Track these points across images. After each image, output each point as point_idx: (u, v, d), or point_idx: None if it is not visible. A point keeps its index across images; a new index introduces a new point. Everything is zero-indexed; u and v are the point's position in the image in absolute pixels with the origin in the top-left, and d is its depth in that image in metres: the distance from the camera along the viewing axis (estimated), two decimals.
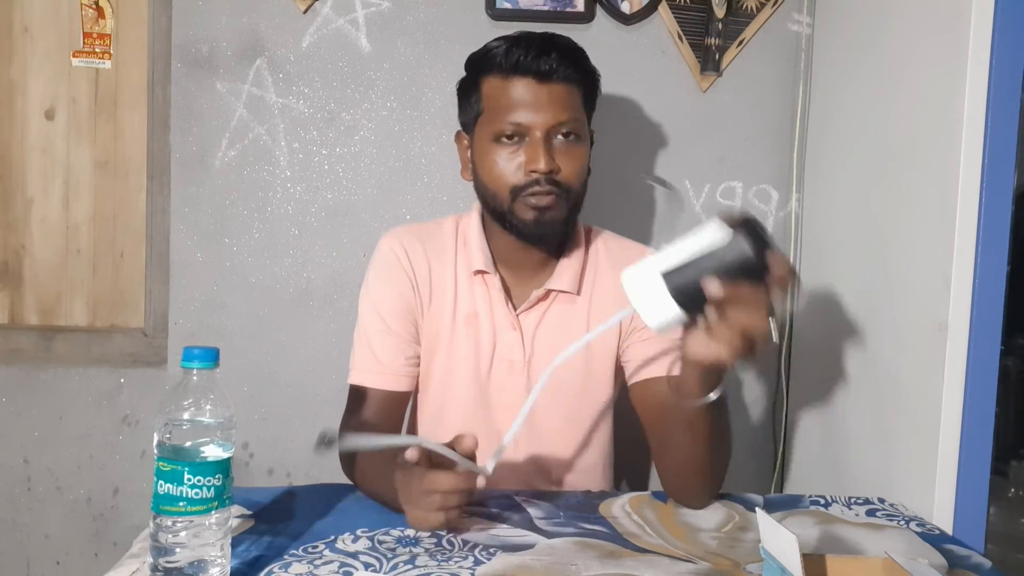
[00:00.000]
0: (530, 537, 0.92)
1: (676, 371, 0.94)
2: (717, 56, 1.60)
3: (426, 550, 0.87)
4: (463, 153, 1.17)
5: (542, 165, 1.04)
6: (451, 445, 0.86)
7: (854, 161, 1.39)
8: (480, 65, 1.10)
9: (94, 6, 1.63)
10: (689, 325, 0.82)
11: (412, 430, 1.26)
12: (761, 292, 0.77)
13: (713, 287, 0.75)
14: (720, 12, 1.58)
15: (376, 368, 1.14)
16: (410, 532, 0.92)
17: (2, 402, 1.64)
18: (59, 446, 1.64)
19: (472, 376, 1.16)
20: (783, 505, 1.08)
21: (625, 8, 1.59)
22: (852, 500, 1.10)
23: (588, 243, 1.21)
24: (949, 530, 1.05)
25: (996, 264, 1.04)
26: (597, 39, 1.58)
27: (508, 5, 1.57)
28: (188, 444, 0.74)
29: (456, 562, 0.84)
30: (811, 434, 1.50)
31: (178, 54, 1.59)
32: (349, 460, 1.08)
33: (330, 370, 1.62)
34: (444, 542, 0.90)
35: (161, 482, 0.73)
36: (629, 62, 1.60)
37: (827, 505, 1.08)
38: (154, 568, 0.74)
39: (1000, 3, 1.01)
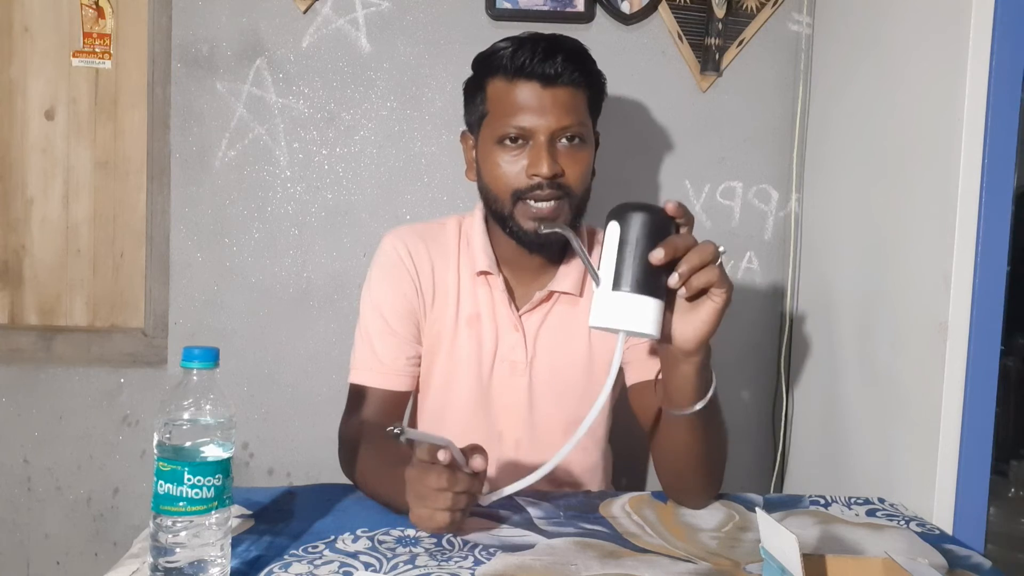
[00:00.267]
0: (530, 537, 0.92)
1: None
2: (717, 56, 1.60)
3: (426, 550, 0.87)
4: (468, 153, 1.17)
5: (545, 169, 1.04)
6: (469, 453, 0.87)
7: (854, 161, 1.39)
8: (486, 66, 1.10)
9: (94, 6, 1.63)
10: (667, 312, 0.86)
11: None
12: (683, 233, 0.84)
13: (656, 253, 0.81)
14: (720, 12, 1.58)
15: (377, 367, 1.14)
16: (410, 532, 0.92)
17: (2, 402, 1.64)
18: (59, 446, 1.65)
19: (474, 377, 1.16)
20: (783, 505, 1.08)
21: (625, 8, 1.59)
22: (852, 500, 1.10)
23: (591, 245, 1.21)
24: (949, 530, 1.05)
25: (996, 264, 1.04)
26: (597, 39, 1.58)
27: (508, 5, 1.57)
28: (188, 444, 0.74)
29: (456, 562, 0.84)
30: (811, 434, 1.50)
31: (178, 54, 1.59)
32: (349, 460, 1.08)
33: (330, 370, 1.62)
34: (444, 542, 0.90)
35: (161, 482, 0.73)
36: (629, 62, 1.60)
37: (827, 505, 1.08)
38: (154, 568, 0.74)
39: (1000, 3, 1.01)
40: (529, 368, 1.16)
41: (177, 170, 1.60)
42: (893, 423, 1.19)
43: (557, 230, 0.93)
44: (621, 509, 1.03)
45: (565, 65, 1.05)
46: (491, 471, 0.93)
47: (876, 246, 1.28)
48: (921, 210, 1.14)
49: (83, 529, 1.66)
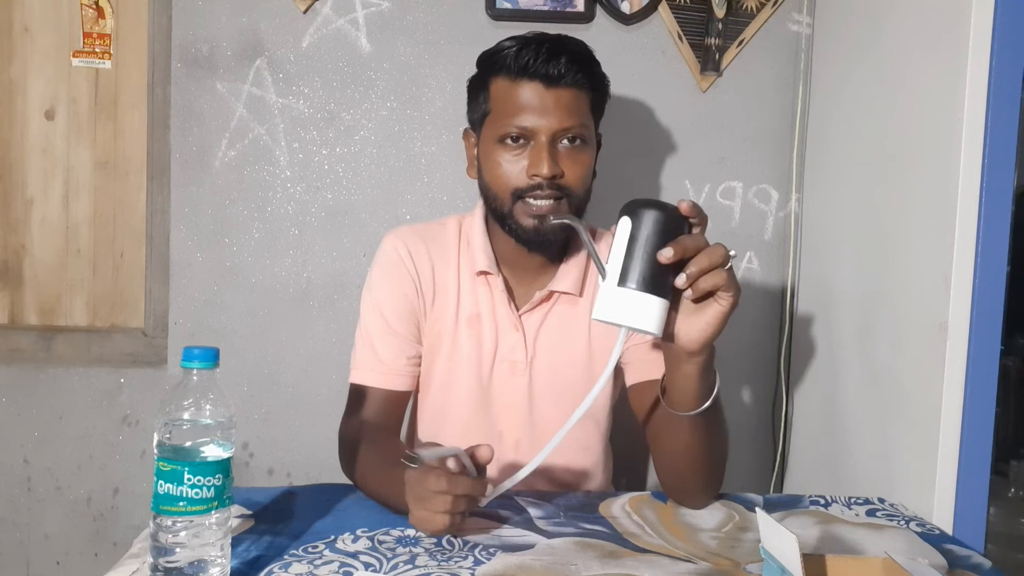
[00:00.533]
0: (530, 537, 0.92)
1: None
2: (717, 56, 1.60)
3: (426, 550, 0.87)
4: (470, 151, 1.18)
5: (545, 170, 1.04)
6: (468, 452, 0.87)
7: (854, 161, 1.39)
8: (490, 65, 1.10)
9: (94, 6, 1.63)
10: (674, 315, 0.86)
11: (412, 430, 1.26)
12: (694, 234, 0.83)
13: (665, 252, 0.80)
14: (720, 12, 1.58)
15: (377, 367, 1.14)
16: (410, 532, 0.92)
17: (2, 402, 1.64)
18: (59, 446, 1.65)
19: (474, 377, 1.16)
20: (783, 505, 1.08)
21: (625, 8, 1.59)
22: (852, 500, 1.10)
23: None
24: (949, 530, 1.05)
25: (996, 264, 1.04)
26: (597, 39, 1.58)
27: (508, 5, 1.57)
28: (188, 444, 0.74)
29: (456, 562, 0.84)
30: (811, 434, 1.50)
31: (178, 54, 1.59)
32: (349, 460, 1.08)
33: (330, 370, 1.62)
34: (444, 542, 0.90)
35: (161, 482, 0.73)
36: (629, 62, 1.60)
37: (827, 505, 1.08)
38: (154, 568, 0.74)
39: (1000, 3, 1.01)
40: (529, 368, 1.16)
41: (177, 170, 1.60)
42: (893, 423, 1.19)
43: (566, 220, 0.92)
44: (621, 509, 1.03)
45: (569, 66, 1.05)
46: (491, 471, 0.93)
47: (876, 246, 1.28)
48: (921, 210, 1.14)
49: (83, 529, 1.66)
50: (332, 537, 0.90)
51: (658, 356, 1.12)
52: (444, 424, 1.19)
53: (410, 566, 0.83)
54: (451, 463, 0.83)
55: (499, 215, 1.11)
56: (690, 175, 1.64)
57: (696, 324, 0.86)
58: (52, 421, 1.64)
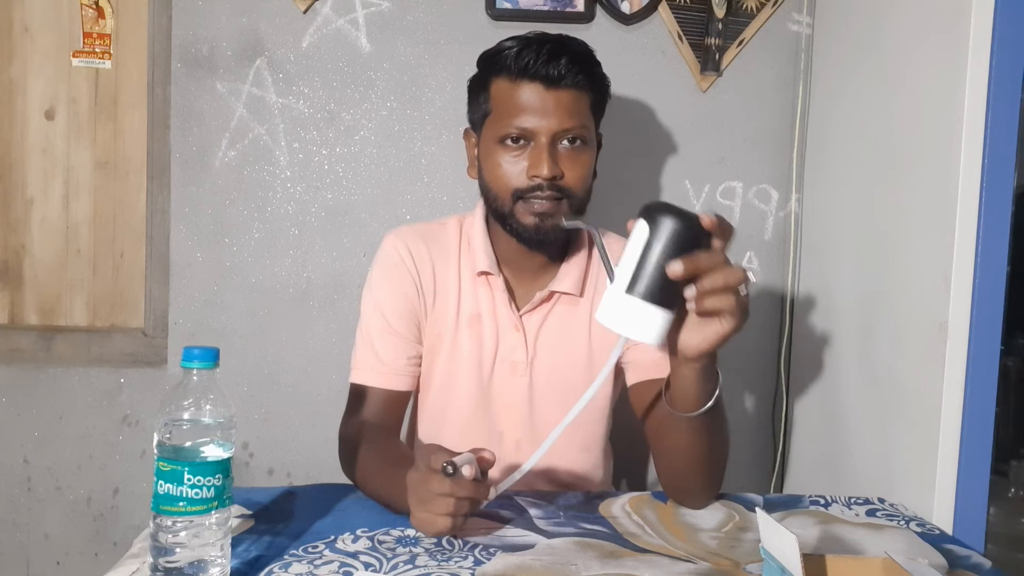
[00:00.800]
0: (530, 537, 0.92)
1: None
2: (717, 56, 1.60)
3: (426, 550, 0.87)
4: (470, 151, 1.18)
5: (545, 171, 1.04)
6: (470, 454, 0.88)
7: (854, 161, 1.39)
8: (491, 65, 1.10)
9: (94, 6, 1.63)
10: (677, 321, 0.84)
11: (412, 430, 1.26)
12: (714, 251, 0.81)
13: (675, 267, 0.78)
14: (720, 12, 1.58)
15: (378, 367, 1.14)
16: (410, 532, 0.92)
17: (2, 402, 1.64)
18: (59, 446, 1.65)
19: (474, 377, 1.16)
20: (783, 505, 1.08)
21: (625, 8, 1.59)
22: (852, 500, 1.10)
23: (591, 245, 1.21)
24: (949, 530, 1.05)
25: (996, 264, 1.04)
26: (597, 39, 1.57)
27: (508, 5, 1.57)
28: (188, 444, 0.74)
29: (456, 562, 0.84)
30: (811, 434, 1.50)
31: (178, 54, 1.59)
32: (349, 460, 1.08)
33: (330, 370, 1.62)
34: (444, 542, 0.90)
35: (161, 482, 0.73)
36: (629, 62, 1.60)
37: (827, 505, 1.08)
38: (154, 568, 0.74)
39: (1000, 3, 1.01)
40: (529, 368, 1.16)
41: (177, 170, 1.60)
42: (893, 423, 1.19)
43: (579, 226, 0.90)
44: (621, 509, 1.03)
45: (569, 67, 1.05)
46: (492, 472, 0.93)
47: (876, 246, 1.28)
48: (921, 210, 1.14)
49: (83, 529, 1.66)
50: (332, 537, 0.90)
51: (659, 357, 1.12)
52: (444, 424, 1.19)
53: (410, 566, 0.83)
54: (467, 471, 0.83)
55: (500, 215, 1.11)
56: (690, 175, 1.64)
57: (695, 336, 0.85)
58: (52, 421, 1.64)
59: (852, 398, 1.33)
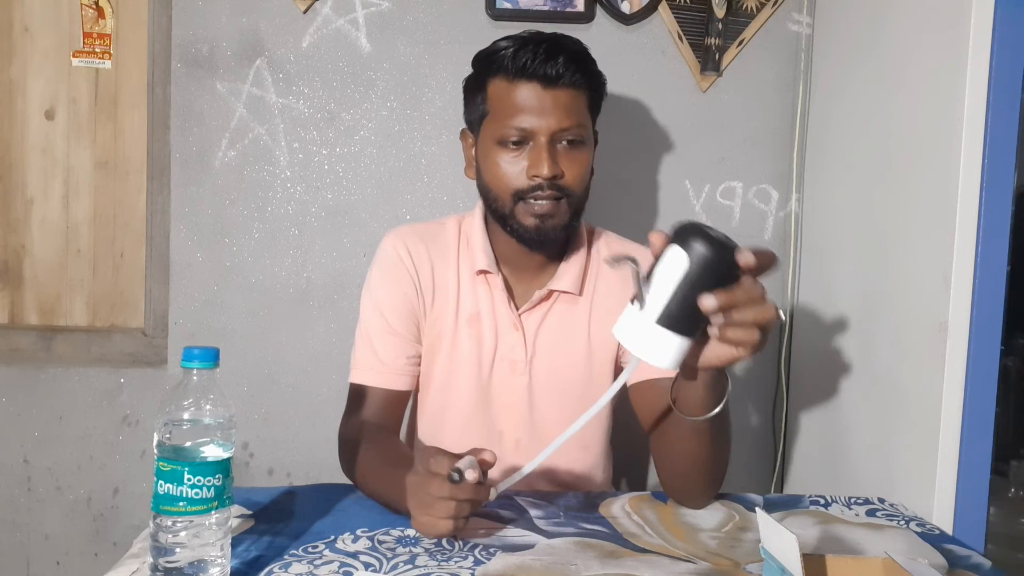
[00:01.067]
0: (530, 537, 0.92)
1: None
2: (717, 56, 1.60)
3: (426, 550, 0.87)
4: (467, 151, 1.17)
5: (545, 171, 1.04)
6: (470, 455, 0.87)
7: (854, 161, 1.39)
8: (487, 65, 1.09)
9: (94, 6, 1.63)
10: (696, 341, 0.82)
11: (412, 430, 1.26)
12: (754, 285, 0.78)
13: (708, 303, 0.75)
14: (720, 12, 1.58)
15: (377, 367, 1.14)
16: (410, 532, 0.92)
17: (2, 402, 1.64)
18: (59, 446, 1.65)
19: (474, 376, 1.16)
20: (783, 505, 1.08)
21: (625, 8, 1.59)
22: (852, 500, 1.10)
23: (590, 244, 1.21)
24: (949, 530, 1.05)
25: (996, 264, 1.04)
26: (597, 39, 1.58)
27: (508, 5, 1.57)
28: (188, 444, 0.74)
29: (456, 562, 0.84)
30: (811, 434, 1.50)
31: (178, 54, 1.59)
32: (349, 460, 1.08)
33: (330, 370, 1.62)
34: (444, 542, 0.90)
35: (161, 482, 0.73)
36: (629, 62, 1.60)
37: (827, 505, 1.08)
38: (154, 568, 0.74)
39: (1000, 3, 1.01)
40: (529, 367, 1.16)
41: (177, 170, 1.60)
42: (893, 423, 1.19)
43: (625, 263, 0.80)
44: (621, 509, 1.03)
45: (567, 66, 1.05)
46: (492, 472, 0.93)
47: (876, 246, 1.28)
48: (921, 210, 1.14)
49: (83, 529, 1.65)
50: (332, 537, 0.90)
51: None
52: (444, 423, 1.19)
53: (410, 566, 0.83)
54: (470, 475, 0.83)
55: (500, 216, 1.11)
56: (690, 175, 1.64)
57: (708, 353, 0.83)
58: (52, 421, 1.64)
59: (852, 398, 1.33)
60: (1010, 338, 1.17)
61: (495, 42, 1.10)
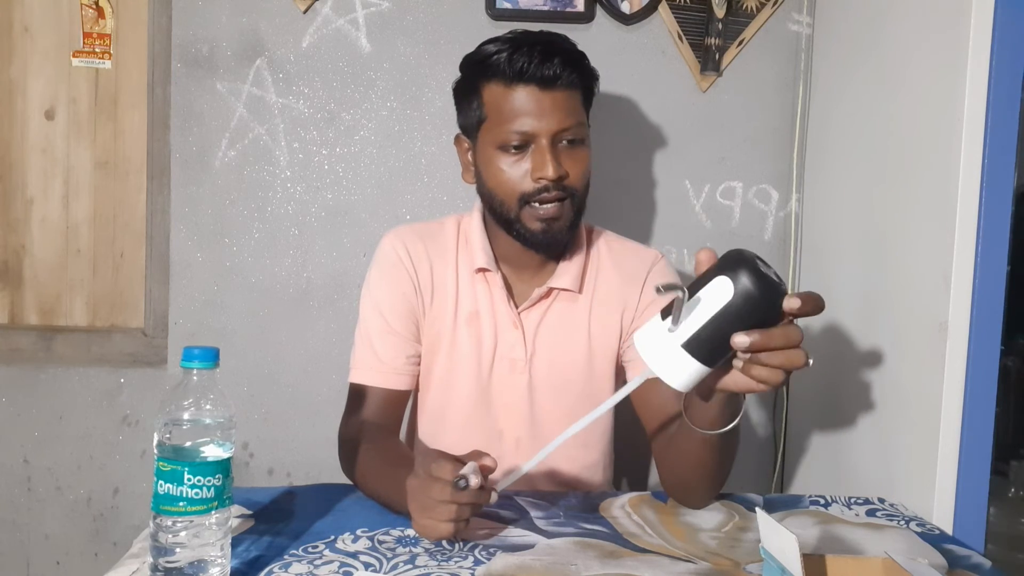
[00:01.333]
0: (530, 537, 0.92)
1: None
2: (717, 56, 1.60)
3: (426, 550, 0.87)
4: (463, 156, 1.17)
5: (550, 172, 1.04)
6: (470, 460, 0.86)
7: (854, 161, 1.39)
8: (481, 70, 1.08)
9: (94, 6, 1.63)
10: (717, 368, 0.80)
11: (412, 429, 1.26)
12: (792, 330, 0.76)
13: (741, 342, 0.73)
14: (720, 12, 1.58)
15: (377, 367, 1.14)
16: (410, 532, 0.92)
17: (2, 402, 1.64)
18: (59, 446, 1.64)
19: (473, 375, 1.16)
20: (783, 505, 1.08)
21: (625, 8, 1.59)
22: (852, 500, 1.10)
23: (590, 242, 1.21)
24: (949, 530, 1.05)
25: (996, 264, 1.04)
26: (597, 39, 1.58)
27: (508, 5, 1.57)
28: (188, 444, 0.74)
29: (456, 562, 0.84)
30: (811, 434, 1.50)
31: (178, 54, 1.59)
32: (349, 460, 1.08)
33: (330, 370, 1.62)
34: (444, 542, 0.90)
35: (161, 482, 0.73)
36: (629, 62, 1.60)
37: (827, 505, 1.08)
38: (154, 568, 0.74)
39: (1000, 3, 1.01)
40: (528, 365, 1.16)
41: (177, 170, 1.60)
42: (893, 423, 1.19)
43: (673, 293, 0.76)
44: (621, 509, 1.03)
45: (563, 67, 1.05)
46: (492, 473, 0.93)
47: (876, 246, 1.28)
48: (921, 210, 1.14)
49: (83, 529, 1.65)
50: (332, 537, 0.90)
51: None
52: (444, 423, 1.19)
53: (410, 566, 0.83)
54: (473, 480, 0.83)
55: (504, 220, 1.10)
56: (690, 175, 1.64)
57: (724, 378, 0.82)
58: (52, 421, 1.64)
59: (852, 398, 1.33)
60: (1010, 338, 1.17)
61: (482, 46, 1.09)
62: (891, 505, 1.10)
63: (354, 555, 0.85)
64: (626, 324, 1.18)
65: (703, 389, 0.86)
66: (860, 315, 1.32)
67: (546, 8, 1.58)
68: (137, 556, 0.84)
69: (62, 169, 1.66)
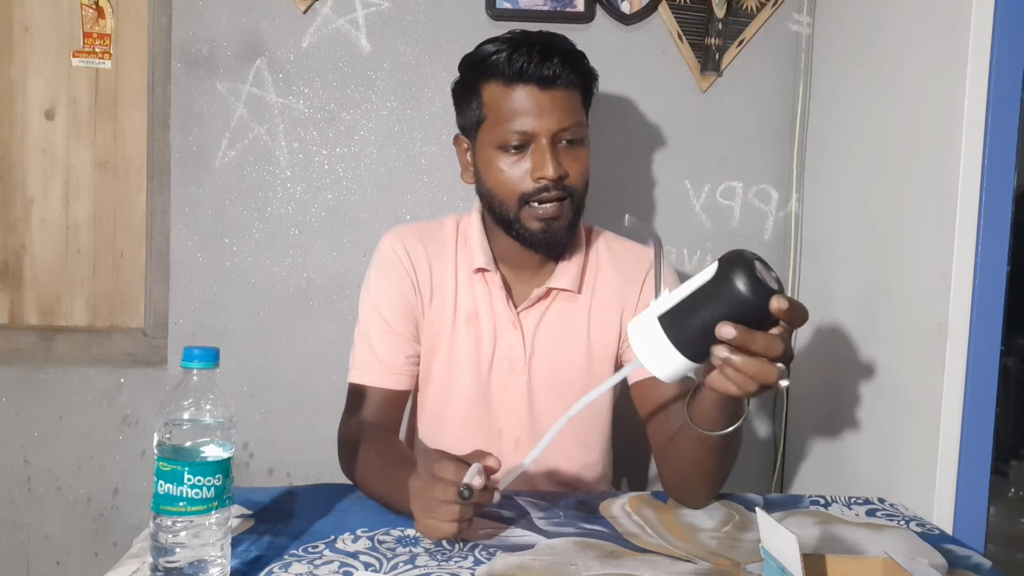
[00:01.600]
0: (530, 537, 0.92)
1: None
2: (717, 56, 1.60)
3: (426, 550, 0.87)
4: (463, 157, 1.17)
5: (550, 172, 1.04)
6: (472, 460, 0.86)
7: (854, 161, 1.39)
8: (480, 70, 1.08)
9: (94, 6, 1.63)
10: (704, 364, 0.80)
11: (412, 429, 1.26)
12: (775, 342, 0.75)
13: (725, 333, 0.73)
14: (720, 12, 1.58)
15: (376, 367, 1.14)
16: (410, 532, 0.92)
17: (2, 402, 1.64)
18: (59, 446, 1.64)
19: (473, 375, 1.16)
20: (783, 505, 1.08)
21: (625, 8, 1.59)
22: (852, 500, 1.10)
23: (589, 242, 1.21)
24: (949, 530, 1.05)
25: (996, 264, 1.04)
26: (597, 39, 1.58)
27: (508, 5, 1.57)
28: (188, 444, 0.74)
29: (456, 562, 0.84)
30: (811, 434, 1.50)
31: (178, 54, 1.59)
32: (349, 460, 1.08)
33: (330, 370, 1.62)
34: (444, 542, 0.90)
35: (161, 482, 0.73)
36: (629, 62, 1.60)
37: (827, 505, 1.08)
38: (154, 568, 0.74)
39: (1000, 3, 1.01)
40: (528, 366, 1.16)
41: (177, 170, 1.60)
42: (893, 423, 1.19)
43: (644, 230, 0.79)
44: (621, 509, 1.03)
45: (562, 67, 1.05)
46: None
47: (876, 246, 1.28)
48: (921, 210, 1.14)
49: (83, 529, 1.65)
50: (332, 537, 0.90)
51: None
52: (444, 423, 1.19)
53: (410, 566, 0.83)
54: (477, 482, 0.82)
55: (504, 220, 1.10)
56: (690, 175, 1.64)
57: (709, 376, 0.81)
58: (52, 421, 1.64)
59: (852, 398, 1.33)
60: (1010, 338, 1.17)
61: (481, 46, 1.09)
62: (891, 505, 1.10)
63: (354, 555, 0.85)
64: (625, 324, 1.18)
65: (703, 390, 0.86)
66: (860, 315, 1.32)
67: (546, 8, 1.58)
68: (137, 556, 0.84)
69: (62, 169, 1.66)
